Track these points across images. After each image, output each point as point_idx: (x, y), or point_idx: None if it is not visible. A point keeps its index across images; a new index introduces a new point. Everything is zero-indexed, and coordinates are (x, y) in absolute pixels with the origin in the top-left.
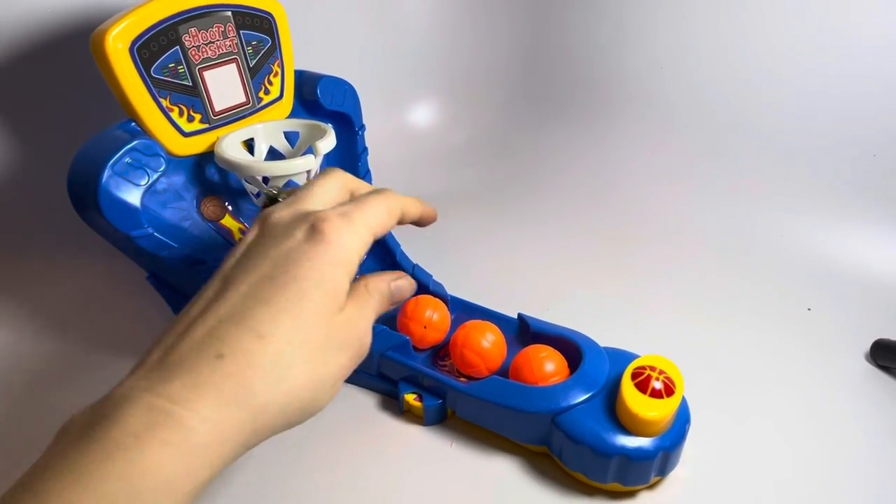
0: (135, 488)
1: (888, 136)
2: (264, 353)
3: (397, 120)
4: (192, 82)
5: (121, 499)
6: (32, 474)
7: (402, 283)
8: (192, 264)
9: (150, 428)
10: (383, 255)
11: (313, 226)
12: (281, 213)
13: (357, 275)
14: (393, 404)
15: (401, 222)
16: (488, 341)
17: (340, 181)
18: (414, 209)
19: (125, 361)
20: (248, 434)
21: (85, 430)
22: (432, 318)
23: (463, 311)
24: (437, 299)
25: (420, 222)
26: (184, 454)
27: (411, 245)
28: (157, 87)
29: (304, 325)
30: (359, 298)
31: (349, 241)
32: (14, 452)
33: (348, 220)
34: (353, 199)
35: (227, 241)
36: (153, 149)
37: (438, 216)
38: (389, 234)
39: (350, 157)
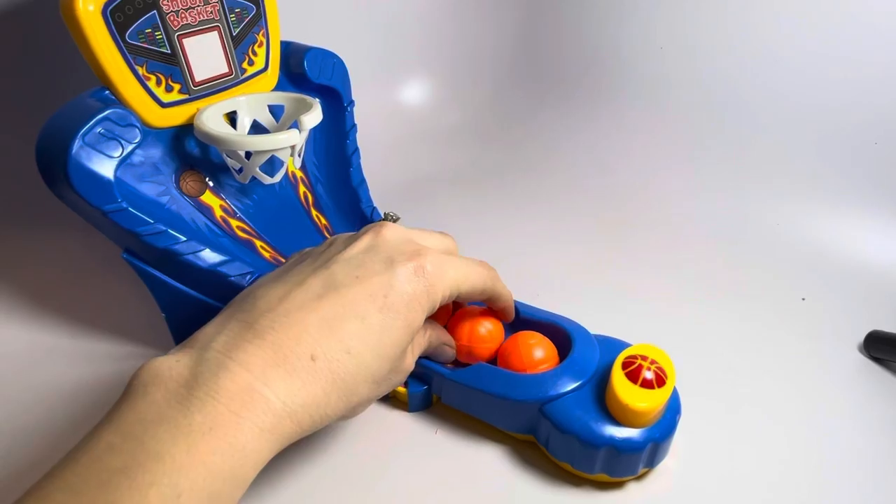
0: (235, 463)
1: (890, 123)
2: (349, 368)
3: (388, 98)
4: (171, 50)
5: (225, 470)
6: (132, 422)
7: (447, 350)
8: (169, 242)
9: (249, 408)
10: None
11: (419, 263)
12: (392, 231)
13: None
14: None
15: (489, 299)
16: (486, 329)
17: (448, 242)
18: (506, 299)
19: (102, 342)
20: (312, 429)
21: (186, 391)
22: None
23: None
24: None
25: (500, 313)
26: (270, 439)
27: (403, 223)
28: (132, 54)
29: (383, 354)
30: (417, 339)
31: (445, 284)
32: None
33: (446, 269)
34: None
35: (207, 219)
36: (128, 119)
37: (428, 197)
38: (378, 216)
39: (338, 133)
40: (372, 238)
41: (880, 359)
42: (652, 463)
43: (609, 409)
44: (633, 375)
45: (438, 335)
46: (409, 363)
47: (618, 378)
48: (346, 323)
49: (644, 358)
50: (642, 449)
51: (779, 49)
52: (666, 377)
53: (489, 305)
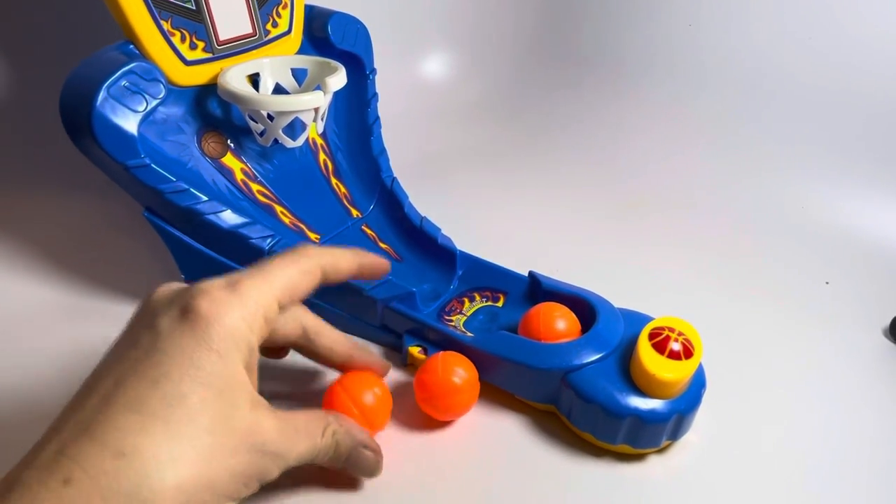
0: None
1: None
2: (119, 478)
3: (407, 71)
4: (197, 6)
5: None
6: None
7: (370, 457)
8: (191, 201)
9: None
10: (391, 208)
11: (186, 304)
12: (164, 288)
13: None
14: (395, 356)
15: (329, 280)
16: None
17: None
18: (346, 263)
19: (120, 303)
20: None
21: None
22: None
23: (471, 267)
24: (562, 307)
25: (361, 275)
26: None
27: (420, 198)
28: (157, 8)
29: (180, 437)
30: (298, 426)
31: (233, 316)
32: (8, 394)
33: (233, 290)
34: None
35: (228, 182)
36: (152, 73)
37: (448, 172)
38: (397, 186)
39: (359, 102)
40: (138, 308)
41: None
42: (675, 435)
43: (634, 380)
44: (660, 346)
45: (348, 431)
46: (272, 443)
47: (644, 348)
48: (110, 420)
49: (671, 329)
50: (667, 420)
51: (808, 28)
52: (693, 349)
53: (333, 284)
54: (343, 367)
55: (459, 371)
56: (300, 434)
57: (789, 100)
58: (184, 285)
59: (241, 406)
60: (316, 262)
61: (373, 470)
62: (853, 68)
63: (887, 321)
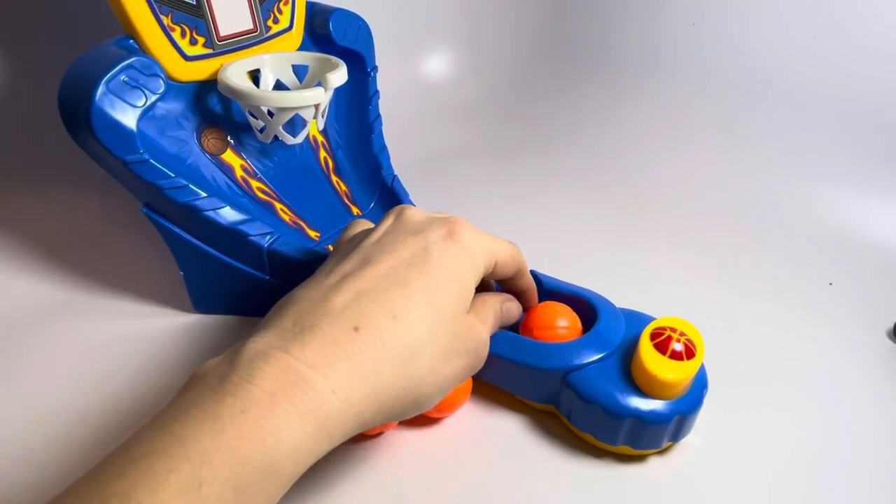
0: (267, 451)
1: None
2: (398, 333)
3: (408, 70)
4: (197, 1)
5: (255, 458)
6: (167, 414)
7: (512, 306)
8: (190, 197)
9: (285, 390)
10: (391, 206)
11: (451, 228)
12: (415, 211)
13: None
14: None
15: (514, 281)
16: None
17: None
18: (527, 278)
19: (118, 299)
20: (369, 415)
21: (221, 380)
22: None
23: None
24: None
25: (523, 296)
26: (313, 422)
27: (421, 196)
28: (158, 3)
29: (436, 315)
30: (480, 311)
31: (479, 249)
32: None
33: (481, 236)
34: None
35: (227, 178)
36: (152, 68)
37: (448, 171)
38: (398, 184)
39: (360, 99)
40: (395, 218)
41: None
42: (677, 437)
43: (635, 380)
44: (661, 346)
45: (497, 298)
46: (480, 335)
47: (646, 348)
48: (386, 292)
49: (673, 330)
50: (668, 421)
51: (811, 28)
52: (695, 350)
53: (511, 287)
54: (521, 300)
55: None
56: (483, 316)
57: (793, 100)
58: (433, 214)
59: (467, 309)
60: (521, 258)
61: (518, 314)
62: (858, 67)
63: (891, 322)
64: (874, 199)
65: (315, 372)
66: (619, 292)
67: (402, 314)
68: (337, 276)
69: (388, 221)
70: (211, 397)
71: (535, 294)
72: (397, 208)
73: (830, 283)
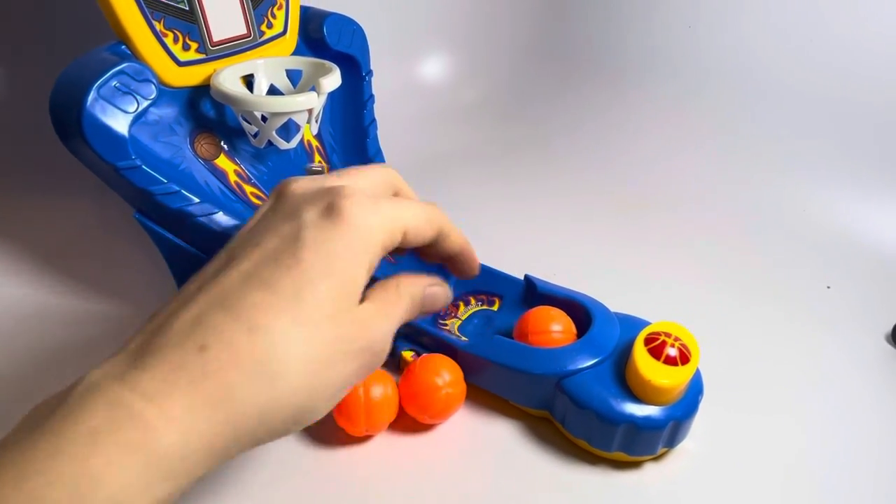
0: (81, 496)
1: None
2: (253, 348)
3: (405, 73)
4: (190, 7)
5: None
6: None
7: (438, 291)
8: (183, 203)
9: (110, 426)
10: None
11: (332, 202)
12: (301, 182)
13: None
14: (389, 361)
15: (438, 245)
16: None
17: (386, 175)
18: (458, 238)
19: (111, 304)
20: (223, 444)
21: (42, 419)
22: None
23: None
24: (557, 310)
25: (457, 259)
26: (143, 462)
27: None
28: (150, 8)
29: (309, 318)
30: (385, 299)
31: (372, 223)
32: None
33: (377, 204)
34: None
35: (221, 183)
36: (144, 74)
37: (446, 175)
38: None
39: (355, 103)
40: (272, 200)
41: None
42: (672, 443)
43: (630, 386)
44: (655, 351)
45: (416, 282)
46: (375, 331)
47: (640, 353)
48: (244, 299)
49: (668, 335)
50: (663, 427)
51: (810, 31)
52: (690, 355)
53: (437, 255)
54: (457, 265)
55: (443, 374)
56: (389, 307)
57: (791, 102)
58: (325, 183)
59: (356, 302)
60: (442, 219)
61: (446, 301)
62: (856, 69)
63: (890, 326)
64: (872, 201)
65: (149, 402)
66: (615, 295)
67: (262, 323)
68: (196, 284)
69: (267, 204)
70: (28, 437)
71: (471, 255)
72: (280, 184)
73: (828, 287)
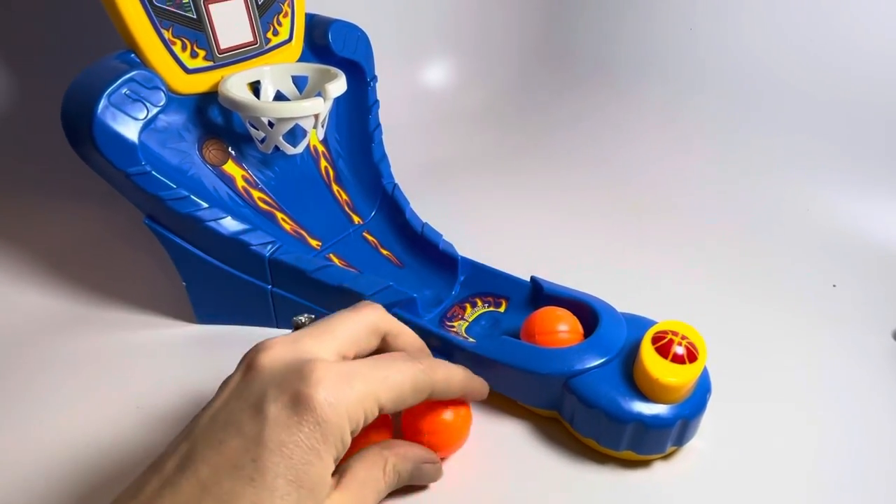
0: None
1: None
2: None
3: (410, 79)
4: (197, 15)
5: None
6: None
7: (430, 470)
8: (192, 208)
9: None
10: (393, 215)
11: (298, 392)
12: (272, 353)
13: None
14: None
15: (433, 397)
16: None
17: (371, 319)
18: (455, 384)
19: (121, 311)
20: None
21: None
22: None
23: (473, 272)
24: (564, 311)
25: (464, 398)
26: None
27: (421, 204)
28: (159, 17)
29: None
30: (364, 483)
31: (341, 410)
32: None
33: (349, 385)
34: (380, 351)
35: (229, 189)
36: (153, 81)
37: (450, 178)
38: (399, 192)
39: (360, 109)
40: (242, 375)
41: None
42: (680, 441)
43: (638, 385)
44: (663, 350)
45: (408, 456)
46: None
47: (647, 352)
48: None
49: (675, 333)
50: (671, 425)
51: (811, 31)
52: (697, 353)
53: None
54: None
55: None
56: (366, 490)
57: (791, 102)
58: (300, 352)
59: (323, 500)
60: (429, 380)
61: (435, 478)
62: (855, 70)
63: (895, 324)
64: (876, 199)
65: None
66: (620, 296)
67: None
68: (155, 483)
69: (232, 382)
70: None
71: (473, 390)
72: (251, 352)
73: (834, 285)
